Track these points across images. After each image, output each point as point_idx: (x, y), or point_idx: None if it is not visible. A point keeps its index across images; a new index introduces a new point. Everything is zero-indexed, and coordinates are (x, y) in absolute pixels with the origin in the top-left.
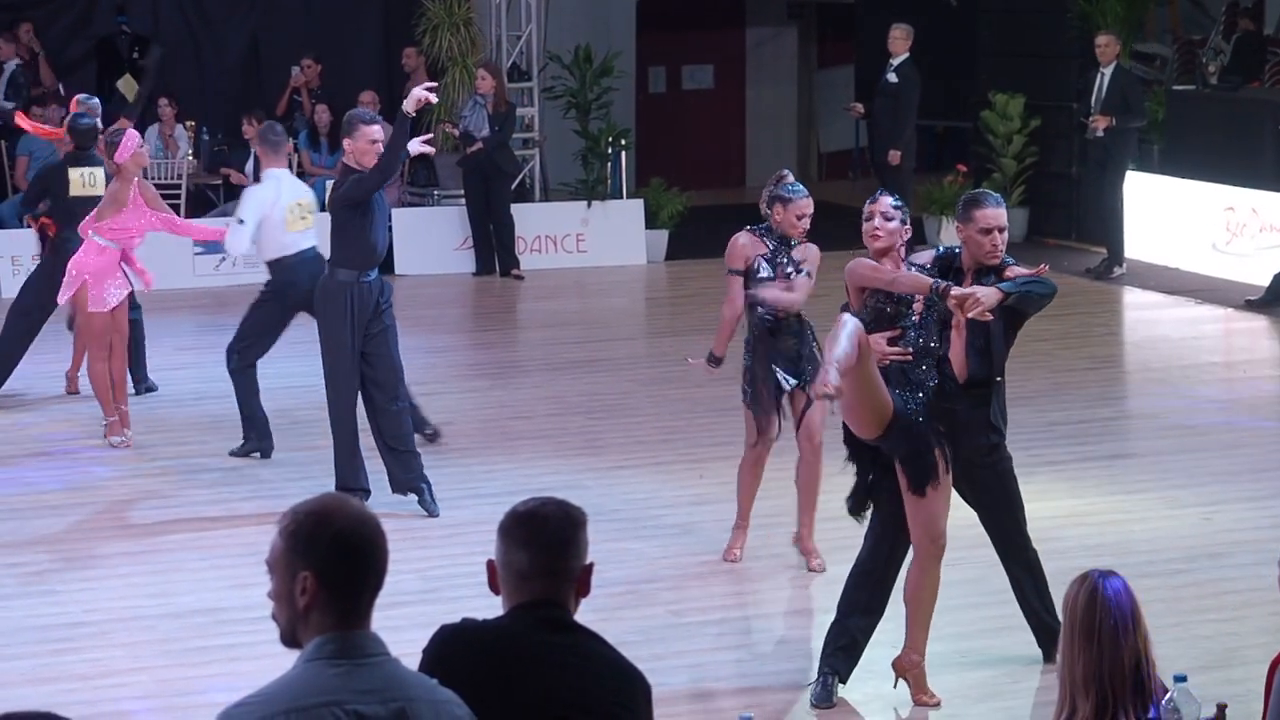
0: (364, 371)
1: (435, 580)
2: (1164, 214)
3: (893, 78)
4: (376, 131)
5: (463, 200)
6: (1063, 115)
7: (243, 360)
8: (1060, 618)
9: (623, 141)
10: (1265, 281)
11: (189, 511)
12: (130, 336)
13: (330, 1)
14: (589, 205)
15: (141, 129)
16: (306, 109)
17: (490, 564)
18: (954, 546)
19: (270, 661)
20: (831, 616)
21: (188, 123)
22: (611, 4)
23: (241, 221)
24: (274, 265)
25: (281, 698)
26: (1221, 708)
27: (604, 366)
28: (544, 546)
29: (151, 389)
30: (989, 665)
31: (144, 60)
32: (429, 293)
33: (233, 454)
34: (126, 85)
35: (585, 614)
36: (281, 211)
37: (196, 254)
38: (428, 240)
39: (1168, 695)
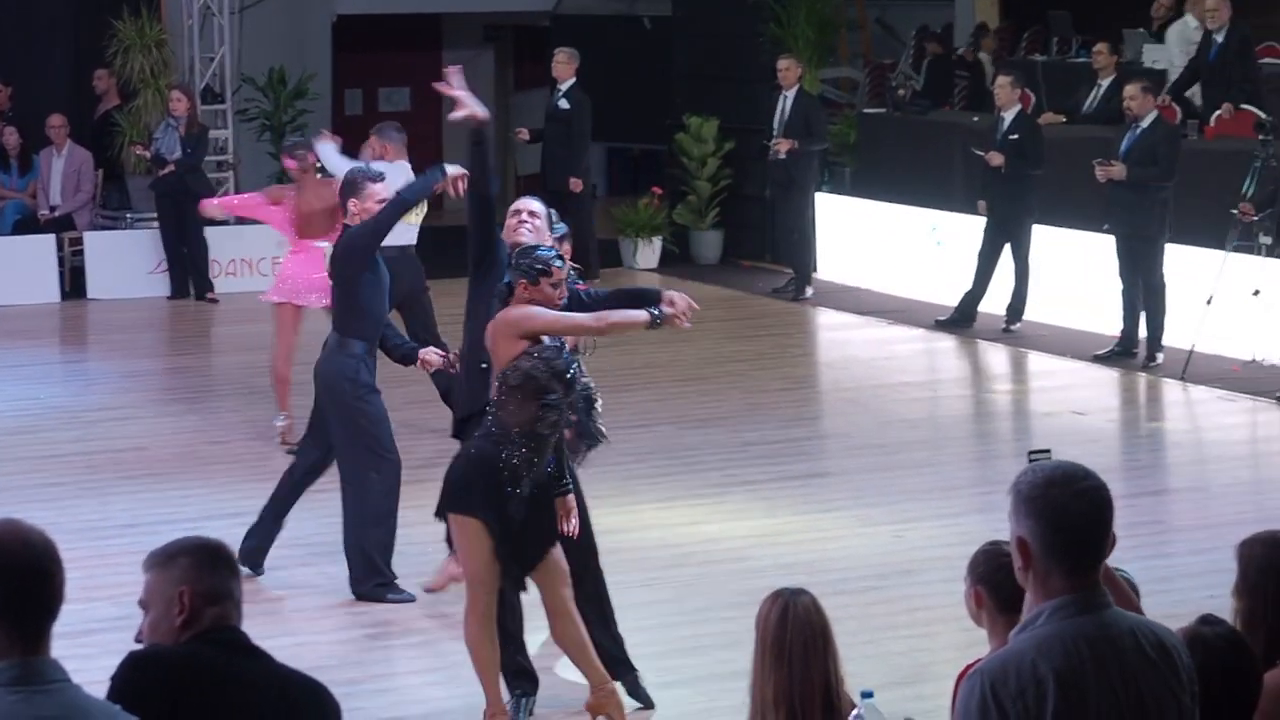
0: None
1: (129, 607)
2: (855, 235)
3: (564, 103)
4: (383, 190)
5: (156, 223)
6: (756, 138)
7: None
8: (757, 634)
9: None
10: (954, 302)
11: None
12: None
13: (19, 22)
14: None
15: None
16: (0, 133)
17: (192, 592)
18: (649, 566)
19: None
20: (528, 637)
21: None
22: (306, 26)
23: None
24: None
25: None
26: None
27: (299, 390)
28: (232, 575)
29: None
30: (682, 684)
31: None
32: (123, 316)
33: None
34: None
35: (283, 636)
36: None
37: None
38: (121, 263)
39: (855, 711)
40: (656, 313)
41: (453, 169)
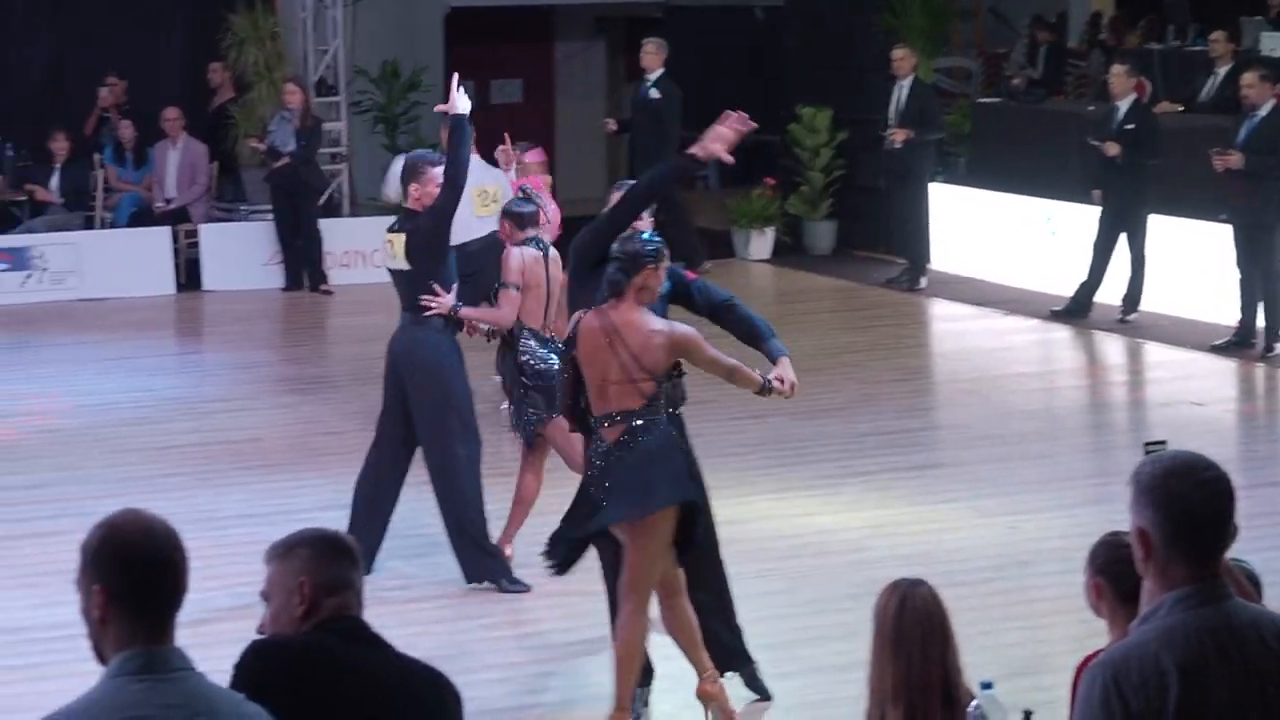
0: None
1: (245, 597)
2: (970, 225)
3: (654, 93)
4: (442, 173)
5: (270, 215)
6: (870, 128)
7: None
8: (875, 624)
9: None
10: (1070, 292)
11: None
12: None
13: (134, 17)
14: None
15: None
16: (116, 126)
17: (312, 583)
18: (765, 558)
19: (78, 680)
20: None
21: None
22: (419, 18)
23: None
24: (459, 251)
25: (84, 715)
26: (1028, 715)
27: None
28: (353, 565)
29: None
30: (799, 675)
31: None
32: (238, 308)
33: None
34: None
35: (399, 627)
36: (469, 195)
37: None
38: (236, 255)
39: (974, 703)
40: (768, 384)
41: (458, 104)
